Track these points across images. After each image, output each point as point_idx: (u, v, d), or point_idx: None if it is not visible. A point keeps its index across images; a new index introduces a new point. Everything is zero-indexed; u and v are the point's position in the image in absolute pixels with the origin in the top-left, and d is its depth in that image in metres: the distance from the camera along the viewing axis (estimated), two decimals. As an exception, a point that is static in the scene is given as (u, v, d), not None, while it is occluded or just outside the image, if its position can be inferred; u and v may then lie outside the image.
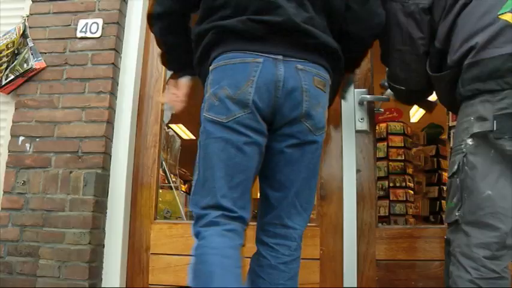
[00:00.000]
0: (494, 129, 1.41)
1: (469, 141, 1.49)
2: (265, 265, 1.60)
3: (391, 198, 5.79)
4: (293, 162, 1.58)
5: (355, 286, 2.19)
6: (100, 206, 2.34)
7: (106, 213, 2.39)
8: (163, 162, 3.02)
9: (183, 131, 12.52)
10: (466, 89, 1.51)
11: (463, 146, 1.51)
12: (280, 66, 1.50)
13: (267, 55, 1.50)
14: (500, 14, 1.45)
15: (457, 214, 1.51)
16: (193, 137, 12.81)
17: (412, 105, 1.85)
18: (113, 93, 2.47)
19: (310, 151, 1.59)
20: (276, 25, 1.50)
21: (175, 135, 2.96)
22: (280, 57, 1.51)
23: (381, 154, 5.79)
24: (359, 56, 1.92)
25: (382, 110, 2.34)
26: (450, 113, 3.91)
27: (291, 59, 1.52)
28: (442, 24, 1.65)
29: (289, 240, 1.60)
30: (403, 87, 1.89)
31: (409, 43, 1.73)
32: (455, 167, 1.53)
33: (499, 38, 1.43)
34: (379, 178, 5.80)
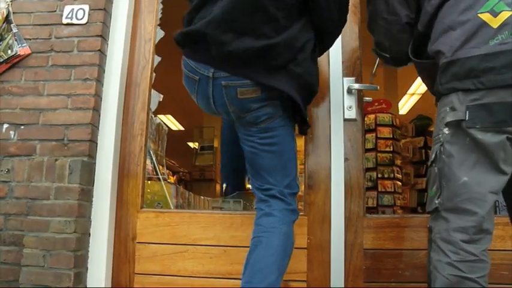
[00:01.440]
0: (466, 118, 1.48)
1: (445, 131, 1.56)
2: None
3: (379, 190, 5.83)
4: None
5: (343, 275, 2.19)
6: (86, 194, 2.31)
7: (92, 201, 2.36)
8: (151, 153, 2.98)
9: (171, 122, 12.49)
10: (444, 87, 1.58)
11: (440, 135, 1.58)
12: (210, 85, 1.74)
13: (201, 72, 1.73)
14: (479, 13, 1.50)
15: (436, 202, 1.57)
16: (182, 128, 12.81)
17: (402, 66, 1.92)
18: (99, 81, 2.43)
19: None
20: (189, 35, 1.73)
21: (162, 123, 2.94)
22: (210, 74, 1.72)
23: (369, 145, 5.82)
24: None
25: (370, 99, 2.33)
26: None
27: (219, 77, 1.72)
28: (426, 5, 1.68)
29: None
30: (387, 55, 1.95)
31: (394, 14, 1.80)
32: (433, 155, 1.60)
33: (476, 37, 1.49)
34: (368, 169, 5.83)
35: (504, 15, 1.47)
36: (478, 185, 1.48)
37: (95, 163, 2.39)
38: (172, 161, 12.15)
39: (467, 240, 1.47)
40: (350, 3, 1.92)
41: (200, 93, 1.79)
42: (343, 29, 2.06)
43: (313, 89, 1.86)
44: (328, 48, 2.09)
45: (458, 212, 1.50)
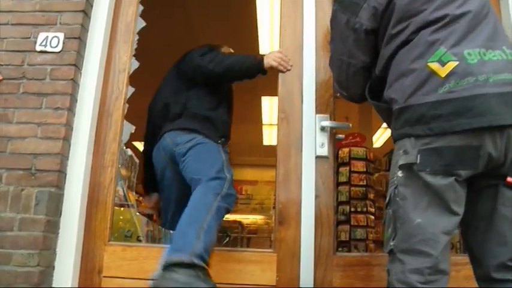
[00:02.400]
0: (418, 162, 1.53)
1: (399, 174, 1.60)
2: None
3: (352, 223, 5.85)
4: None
5: (311, 314, 2.17)
6: (52, 226, 2.25)
7: (58, 233, 2.30)
8: (121, 182, 2.96)
9: (146, 149, 12.38)
10: (397, 133, 1.64)
11: (394, 178, 1.62)
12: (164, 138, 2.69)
13: (164, 132, 2.69)
14: (428, 62, 1.56)
15: (391, 244, 1.58)
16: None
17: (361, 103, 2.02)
18: (71, 110, 2.40)
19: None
20: None
21: (133, 155, 2.92)
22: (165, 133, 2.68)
23: (343, 179, 5.85)
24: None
25: (343, 136, 2.35)
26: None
27: (165, 134, 2.68)
28: (383, 51, 1.75)
29: None
30: (344, 93, 2.05)
31: (351, 57, 1.88)
32: (388, 198, 1.64)
33: (426, 85, 1.55)
34: (341, 203, 5.85)
35: (450, 65, 1.53)
36: (432, 226, 1.51)
37: (63, 194, 2.34)
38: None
39: (423, 281, 1.48)
40: (324, 40, 2.00)
41: (161, 144, 2.75)
42: (317, 66, 2.15)
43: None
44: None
45: (413, 254, 1.52)
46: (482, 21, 1.62)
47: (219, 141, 2.65)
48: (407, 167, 1.57)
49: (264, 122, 10.03)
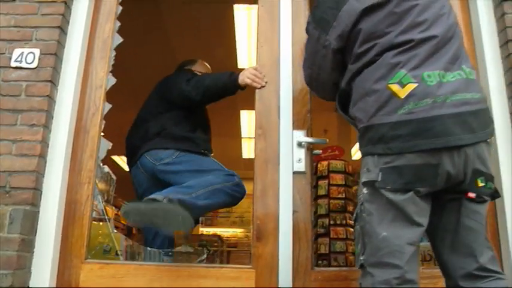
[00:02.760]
0: (379, 179, 1.60)
1: (364, 190, 1.66)
2: None
3: (331, 236, 5.87)
4: None
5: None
6: (27, 245, 2.22)
7: (33, 252, 2.26)
8: (99, 196, 2.93)
9: (125, 163, 12.29)
10: (361, 150, 1.72)
11: (361, 195, 1.68)
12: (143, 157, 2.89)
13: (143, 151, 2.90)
14: (389, 83, 1.62)
15: (361, 259, 1.64)
16: (136, 169, 12.61)
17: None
18: (46, 127, 2.37)
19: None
20: None
21: (110, 172, 2.90)
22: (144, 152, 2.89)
23: (322, 192, 5.88)
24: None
25: (320, 152, 2.37)
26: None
27: (144, 153, 2.89)
28: (350, 66, 1.81)
29: None
30: (315, 94, 2.19)
31: (320, 69, 1.96)
32: (355, 215, 1.71)
33: (387, 106, 1.61)
34: (320, 216, 5.88)
35: (410, 87, 1.59)
36: (397, 238, 1.56)
37: (38, 212, 2.30)
38: (126, 202, 11.95)
39: None
40: (301, 56, 2.05)
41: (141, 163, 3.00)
42: (294, 82, 2.37)
43: None
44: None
45: (381, 266, 1.57)
46: (446, 44, 1.68)
47: (202, 151, 2.86)
48: (370, 184, 1.63)
49: (243, 135, 10.04)
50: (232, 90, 2.69)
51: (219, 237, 9.03)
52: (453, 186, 1.62)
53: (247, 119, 8.67)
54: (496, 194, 1.72)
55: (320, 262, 5.89)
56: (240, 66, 6.55)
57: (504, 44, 2.45)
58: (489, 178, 1.65)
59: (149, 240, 3.12)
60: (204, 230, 13.30)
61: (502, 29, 2.48)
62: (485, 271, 1.61)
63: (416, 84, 1.59)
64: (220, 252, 7.86)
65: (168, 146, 2.82)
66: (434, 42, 1.65)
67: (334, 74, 1.92)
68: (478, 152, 1.60)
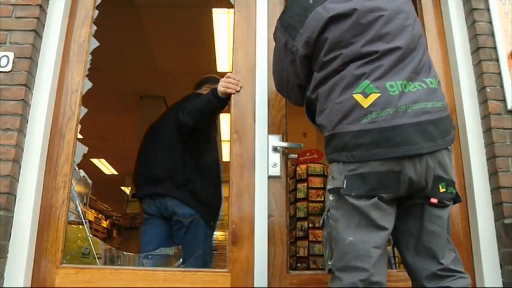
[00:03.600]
0: (344, 186, 1.64)
1: (330, 197, 1.71)
2: None
3: (310, 239, 5.86)
4: None
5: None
6: (0, 250, 2.19)
7: (6, 257, 2.24)
8: (78, 199, 2.92)
9: (104, 166, 12.24)
10: (327, 157, 1.78)
11: (327, 202, 1.73)
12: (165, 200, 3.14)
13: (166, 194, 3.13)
14: (354, 93, 1.67)
15: (329, 263, 1.68)
16: (116, 172, 12.57)
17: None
18: (21, 131, 2.35)
19: None
20: None
21: (86, 176, 2.88)
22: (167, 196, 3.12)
23: (301, 195, 5.89)
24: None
25: (295, 156, 2.39)
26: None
27: (167, 197, 3.12)
28: (315, 74, 1.84)
29: None
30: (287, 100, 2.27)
31: (288, 74, 1.99)
32: (322, 221, 1.76)
33: (351, 115, 1.66)
34: (299, 219, 5.88)
35: (373, 97, 1.64)
36: (363, 243, 1.60)
37: (12, 217, 2.28)
38: (106, 205, 11.91)
39: None
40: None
41: None
42: (269, 87, 2.44)
43: None
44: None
45: (348, 270, 1.60)
46: (409, 55, 1.72)
47: (212, 224, 3.19)
48: (336, 191, 1.68)
49: (223, 139, 10.04)
50: (219, 105, 2.72)
51: (199, 240, 9.00)
52: (416, 192, 1.67)
53: (227, 122, 8.67)
54: (457, 199, 1.78)
55: (299, 265, 5.90)
56: (219, 70, 6.55)
57: (475, 50, 2.50)
58: (450, 184, 1.71)
59: (143, 243, 3.26)
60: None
61: (473, 37, 2.53)
62: (448, 271, 1.67)
63: (379, 94, 1.64)
64: (200, 256, 7.83)
65: (192, 204, 3.08)
66: (398, 53, 1.70)
67: (303, 79, 1.95)
68: (439, 159, 1.65)
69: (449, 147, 1.71)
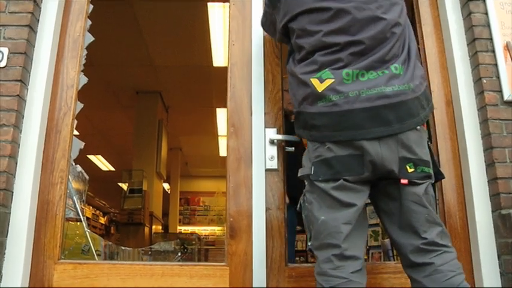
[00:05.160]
0: (312, 173, 1.76)
1: (306, 182, 1.83)
2: None
3: (308, 233, 5.89)
4: None
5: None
6: (-2, 247, 2.20)
7: (4, 253, 2.23)
8: (76, 196, 2.92)
9: (102, 162, 12.23)
10: (296, 132, 1.92)
11: (304, 187, 1.85)
12: None
13: None
14: (312, 78, 1.77)
15: (309, 244, 1.81)
16: (113, 168, 12.57)
17: None
18: (17, 127, 2.35)
19: None
20: None
21: (82, 171, 2.88)
22: None
23: (298, 188, 5.91)
24: None
25: (293, 149, 2.39)
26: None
27: None
28: (289, 51, 2.03)
29: None
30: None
31: (273, 35, 2.30)
32: (298, 205, 1.89)
33: (309, 97, 1.77)
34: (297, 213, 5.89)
35: (327, 82, 1.73)
36: (333, 220, 1.70)
37: (9, 213, 2.27)
38: (103, 202, 11.92)
39: (333, 267, 1.66)
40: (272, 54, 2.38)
41: None
42: (266, 80, 2.44)
43: None
44: None
45: (323, 248, 1.71)
46: (377, 45, 1.77)
47: None
48: (306, 178, 1.80)
49: (219, 134, 10.06)
50: None
51: (197, 235, 9.04)
52: (386, 174, 1.73)
53: (223, 117, 8.69)
54: (438, 176, 1.87)
55: (297, 258, 5.93)
56: (215, 64, 6.55)
57: (471, 42, 2.50)
58: (419, 163, 1.75)
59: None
60: (182, 229, 13.32)
61: (468, 28, 2.53)
62: (432, 245, 1.72)
63: (333, 80, 1.72)
64: (198, 250, 7.87)
65: None
66: (360, 46, 1.75)
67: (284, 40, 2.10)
68: (402, 141, 1.70)
69: (418, 127, 1.74)
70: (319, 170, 1.74)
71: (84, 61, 2.66)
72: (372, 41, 1.75)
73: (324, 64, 1.76)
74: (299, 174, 1.84)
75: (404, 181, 1.72)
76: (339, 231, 1.68)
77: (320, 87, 1.73)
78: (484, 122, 2.39)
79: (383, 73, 1.73)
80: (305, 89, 1.78)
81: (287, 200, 2.64)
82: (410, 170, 1.72)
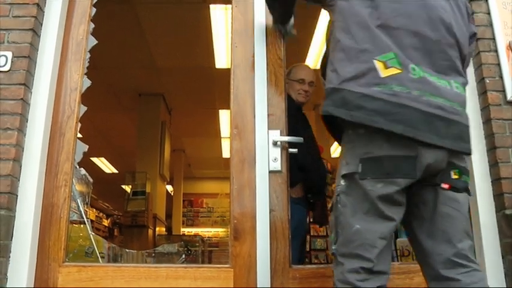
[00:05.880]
0: (359, 171, 1.62)
1: (342, 182, 1.68)
2: None
3: (311, 234, 5.90)
4: None
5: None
6: (2, 250, 2.19)
7: (9, 257, 2.24)
8: (80, 199, 2.92)
9: (105, 164, 12.25)
10: (323, 109, 1.70)
11: (338, 187, 1.70)
12: None
13: None
14: (376, 59, 1.64)
15: (333, 248, 1.69)
16: (116, 171, 12.58)
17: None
18: (21, 130, 2.35)
19: None
20: None
21: (86, 174, 2.89)
22: None
23: (301, 190, 5.91)
24: None
25: (296, 151, 2.39)
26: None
27: None
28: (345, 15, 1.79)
29: None
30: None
31: None
32: (331, 205, 1.75)
33: (364, 77, 1.63)
34: (300, 213, 5.90)
35: (393, 71, 1.62)
36: (368, 232, 1.60)
37: (14, 216, 2.28)
38: (106, 204, 11.92)
39: (361, 279, 1.58)
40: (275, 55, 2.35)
41: None
42: (268, 81, 2.47)
43: None
44: None
45: (351, 257, 1.61)
46: (445, 50, 1.70)
47: None
48: (349, 177, 1.65)
49: (222, 135, 10.06)
50: None
51: (201, 237, 9.04)
52: (429, 176, 1.64)
53: (226, 119, 8.69)
54: (469, 192, 1.75)
55: (293, 266, 5.92)
56: (217, 65, 6.55)
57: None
58: (464, 172, 1.69)
59: None
60: (186, 230, 13.32)
61: (471, 28, 2.53)
62: (463, 258, 1.63)
63: (400, 71, 1.61)
64: (202, 252, 7.88)
65: None
66: (436, 44, 1.68)
67: None
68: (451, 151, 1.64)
69: (465, 154, 1.70)
70: (368, 168, 1.61)
71: (87, 64, 2.66)
72: (443, 45, 1.70)
73: (390, 46, 1.65)
74: (343, 172, 1.68)
75: (446, 186, 1.65)
76: (374, 246, 1.59)
77: (384, 72, 1.61)
78: (487, 121, 2.39)
79: (448, 83, 1.67)
80: (359, 66, 1.65)
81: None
82: (455, 176, 1.66)
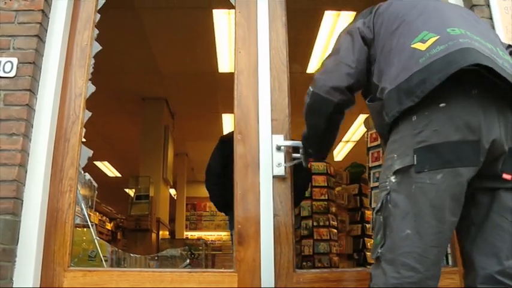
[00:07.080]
0: (415, 163, 1.45)
1: (392, 179, 1.51)
2: None
3: (315, 238, 5.92)
4: None
5: (273, 332, 2.19)
6: (8, 255, 2.21)
7: (15, 261, 2.25)
8: (83, 202, 2.94)
9: (108, 168, 12.28)
10: (388, 116, 1.56)
11: (387, 183, 1.54)
12: None
13: None
14: (412, 44, 1.57)
15: (379, 251, 1.51)
16: (119, 174, 12.60)
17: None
18: (26, 136, 2.37)
19: None
20: None
21: (91, 179, 2.90)
22: None
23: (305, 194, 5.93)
24: None
25: (299, 155, 2.40)
26: (370, 153, 4.09)
27: None
28: (378, 59, 1.75)
29: None
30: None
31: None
32: (379, 204, 1.55)
33: (409, 63, 1.53)
34: (303, 218, 5.94)
35: (431, 40, 1.53)
36: (420, 240, 1.43)
37: (19, 221, 2.30)
38: (110, 208, 11.94)
39: None
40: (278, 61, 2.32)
41: None
42: (272, 87, 2.45)
43: None
44: None
45: (397, 265, 1.44)
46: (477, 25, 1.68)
47: None
48: (404, 171, 1.49)
49: (225, 139, 10.06)
50: None
51: (204, 241, 9.05)
52: (488, 165, 1.47)
53: (229, 123, 8.71)
54: None
55: (304, 263, 5.94)
56: (220, 70, 6.57)
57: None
58: None
59: None
60: (189, 234, 13.33)
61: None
62: (507, 277, 1.48)
63: (438, 36, 1.54)
64: (205, 256, 7.89)
65: None
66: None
67: (352, 68, 1.82)
68: (505, 126, 1.47)
69: None
70: (424, 158, 1.44)
71: (91, 70, 2.68)
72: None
73: (420, 29, 1.60)
74: (396, 168, 1.51)
75: (507, 176, 1.49)
76: (425, 256, 1.41)
77: (423, 46, 1.52)
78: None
79: (489, 45, 1.56)
80: (401, 59, 1.59)
81: None
82: None
